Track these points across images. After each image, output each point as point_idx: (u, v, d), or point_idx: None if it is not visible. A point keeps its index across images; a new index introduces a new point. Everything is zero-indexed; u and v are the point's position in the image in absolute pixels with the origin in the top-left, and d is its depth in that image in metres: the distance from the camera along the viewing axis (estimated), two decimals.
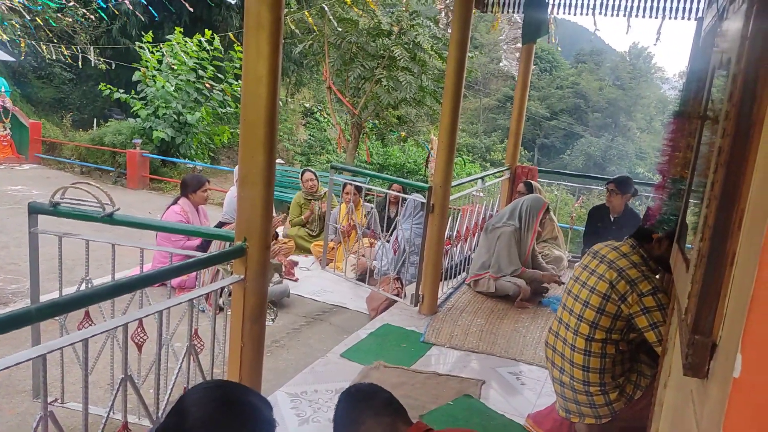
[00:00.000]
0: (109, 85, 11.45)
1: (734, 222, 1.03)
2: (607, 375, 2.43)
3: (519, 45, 5.95)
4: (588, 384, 2.45)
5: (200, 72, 11.39)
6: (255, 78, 2.11)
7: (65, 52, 12.55)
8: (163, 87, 10.82)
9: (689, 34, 2.92)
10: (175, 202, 5.18)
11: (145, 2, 9.98)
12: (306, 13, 9.78)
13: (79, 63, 12.91)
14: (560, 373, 2.58)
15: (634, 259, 2.37)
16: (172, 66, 11.06)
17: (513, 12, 5.54)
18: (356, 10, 9.58)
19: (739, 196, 1.03)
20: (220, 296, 3.51)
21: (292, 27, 9.83)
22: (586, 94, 40.86)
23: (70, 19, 12.75)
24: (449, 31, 5.43)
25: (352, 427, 1.64)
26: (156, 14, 12.41)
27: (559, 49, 42.11)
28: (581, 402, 2.51)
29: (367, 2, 9.80)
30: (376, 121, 13.21)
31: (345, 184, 5.92)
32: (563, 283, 4.98)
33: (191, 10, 8.77)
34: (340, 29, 10.60)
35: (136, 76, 11.29)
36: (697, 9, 4.48)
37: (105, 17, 12.49)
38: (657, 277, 2.36)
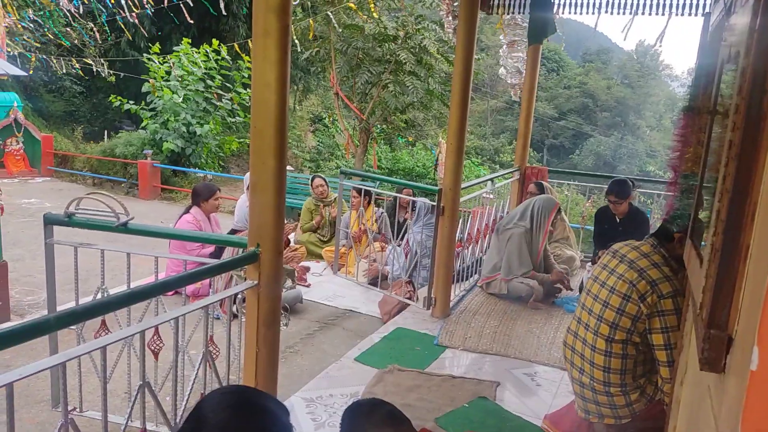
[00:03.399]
0: (119, 97, 11.56)
1: (747, 215, 1.03)
2: (628, 376, 2.41)
3: (518, 48, 5.94)
4: (609, 385, 2.43)
5: (208, 82, 11.48)
6: (264, 85, 2.13)
7: (76, 65, 12.69)
8: (171, 98, 10.91)
9: (697, 30, 2.91)
10: (187, 211, 5.22)
11: (151, 15, 10.08)
12: (311, 21, 9.84)
13: (93, 72, 13.03)
14: (580, 374, 2.56)
15: (655, 259, 2.34)
16: (180, 77, 11.15)
17: (518, 13, 5.54)
18: (361, 15, 9.63)
19: (751, 188, 1.03)
20: (234, 303, 3.53)
21: (295, 39, 9.89)
22: (594, 94, 40.68)
23: (78, 35, 12.90)
24: (453, 34, 5.44)
25: None
26: (160, 28, 12.55)
27: (563, 49, 41.97)
28: (601, 403, 2.49)
29: (371, 9, 9.84)
30: (384, 126, 13.24)
31: (353, 189, 5.94)
32: (571, 289, 4.96)
33: (191, 21, 8.83)
34: (345, 35, 10.65)
35: (145, 88, 11.40)
36: (704, 4, 4.46)
37: (109, 32, 12.63)
38: (679, 277, 2.32)
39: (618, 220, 5.08)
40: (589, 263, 5.15)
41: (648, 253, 2.38)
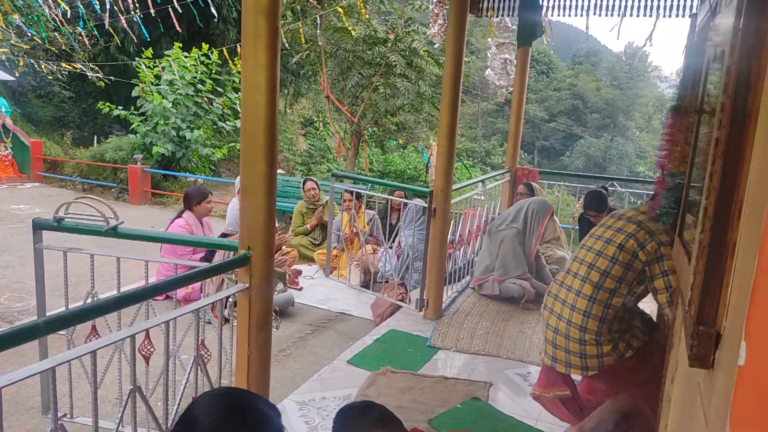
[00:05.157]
0: (108, 103, 11.50)
1: (734, 212, 1.04)
2: (605, 326, 2.45)
3: (505, 50, 5.97)
4: (584, 331, 2.46)
5: (199, 86, 11.44)
6: (254, 87, 2.13)
7: (66, 67, 12.60)
8: (160, 103, 10.87)
9: (684, 31, 2.94)
10: (179, 216, 5.20)
11: (139, 20, 10.01)
12: (300, 24, 9.83)
13: (82, 76, 12.94)
14: (557, 319, 2.57)
15: (653, 215, 2.42)
16: (170, 81, 11.11)
17: (508, 15, 5.57)
18: (345, 22, 9.61)
19: (737, 186, 1.04)
20: (226, 307, 3.51)
21: (285, 41, 9.88)
22: (584, 95, 40.94)
23: (66, 39, 12.82)
24: (440, 37, 5.46)
25: None
26: (149, 33, 12.49)
27: (553, 52, 42.22)
28: (572, 350, 2.51)
29: (361, 13, 9.85)
30: (375, 129, 13.25)
31: (345, 192, 5.94)
32: None
33: (179, 30, 8.80)
34: (335, 38, 10.65)
35: (135, 92, 11.35)
36: (691, 6, 4.50)
37: (99, 37, 12.56)
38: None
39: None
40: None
41: (646, 211, 2.48)
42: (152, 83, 11.24)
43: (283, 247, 6.17)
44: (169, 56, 11.32)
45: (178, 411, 2.39)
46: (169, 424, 2.35)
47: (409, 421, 2.76)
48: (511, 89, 6.25)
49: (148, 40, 12.58)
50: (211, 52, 11.50)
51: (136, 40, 12.78)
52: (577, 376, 2.64)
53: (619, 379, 2.59)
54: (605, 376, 2.54)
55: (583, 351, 2.48)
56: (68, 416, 2.85)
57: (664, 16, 4.67)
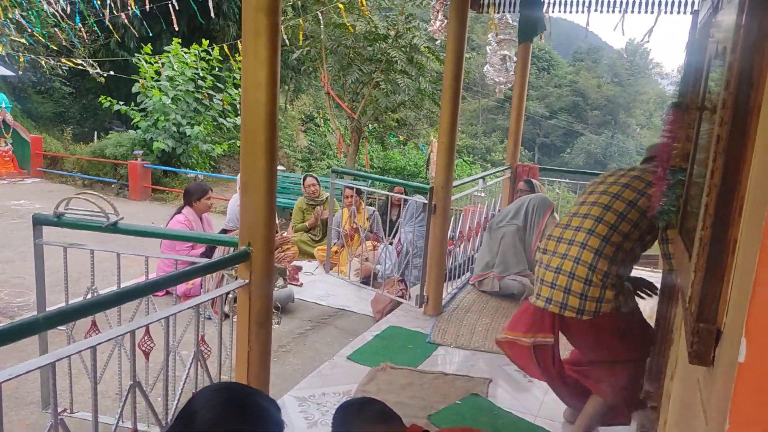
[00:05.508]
0: (108, 98, 11.49)
1: (735, 209, 1.04)
2: (614, 268, 2.45)
3: (505, 46, 5.95)
4: (593, 270, 2.44)
5: (199, 82, 11.42)
6: (254, 84, 2.12)
7: (67, 63, 12.58)
8: (160, 99, 10.86)
9: (686, 28, 2.93)
10: (179, 212, 5.20)
11: (140, 15, 10.01)
12: (300, 21, 9.81)
13: (82, 72, 12.92)
14: (561, 259, 2.54)
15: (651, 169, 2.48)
16: (170, 77, 11.09)
17: (509, 11, 5.56)
18: (345, 18, 9.59)
19: (738, 183, 1.04)
20: (226, 303, 3.52)
21: (285, 38, 9.85)
22: (585, 92, 40.89)
23: (66, 35, 12.80)
24: (441, 33, 5.45)
25: None
26: (150, 29, 12.46)
27: (553, 48, 42.16)
28: (573, 290, 2.47)
29: (362, 9, 9.82)
30: (376, 125, 13.24)
31: (345, 188, 5.94)
32: None
33: (177, 29, 8.78)
34: (335, 35, 10.63)
35: (135, 88, 11.33)
36: (693, 2, 4.49)
37: (99, 33, 12.54)
38: None
39: None
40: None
41: (645, 168, 2.57)
42: (152, 79, 11.22)
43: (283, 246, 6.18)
44: (169, 52, 11.31)
45: (178, 406, 2.40)
46: (168, 420, 2.36)
47: (408, 417, 2.77)
48: (510, 86, 6.24)
49: (149, 35, 12.56)
50: (212, 49, 11.48)
51: (137, 35, 12.77)
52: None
53: (601, 341, 2.56)
54: (591, 331, 2.52)
55: (586, 292, 2.45)
56: (68, 411, 2.86)
57: (666, 12, 4.65)
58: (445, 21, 5.40)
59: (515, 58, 6.08)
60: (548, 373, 2.71)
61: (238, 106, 11.86)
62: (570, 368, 2.76)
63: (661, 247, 2.36)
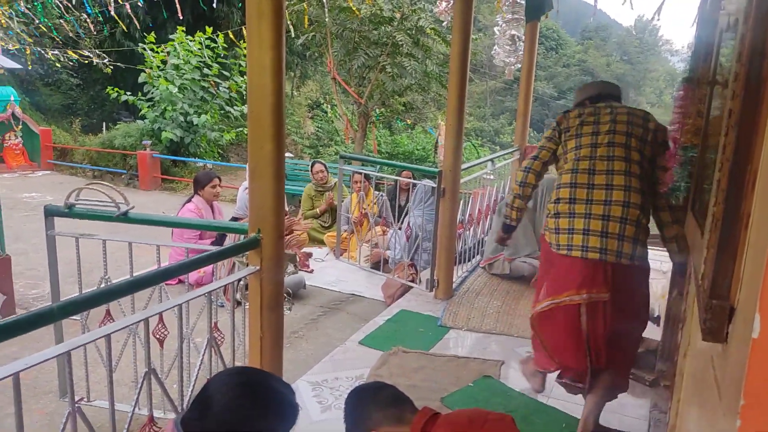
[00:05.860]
0: (116, 89, 11.50)
1: (747, 183, 1.02)
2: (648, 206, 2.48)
3: (513, 26, 5.87)
4: (643, 210, 2.44)
5: (205, 71, 11.40)
6: (260, 68, 2.11)
7: (73, 56, 12.60)
8: (167, 89, 10.86)
9: (695, 3, 2.88)
10: (189, 201, 5.22)
11: (143, 5, 9.97)
12: (305, 5, 9.74)
13: (89, 64, 12.94)
14: (604, 206, 2.44)
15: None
16: (176, 66, 11.08)
17: None
18: (349, 1, 9.50)
19: (751, 157, 1.03)
20: (237, 290, 3.53)
21: (290, 23, 9.77)
22: (594, 71, 40.41)
23: (72, 26, 12.79)
24: (447, 14, 5.39)
25: (361, 424, 1.73)
26: (154, 18, 12.39)
27: (561, 27, 41.63)
28: (627, 235, 2.39)
29: None
30: (383, 110, 13.17)
31: (353, 174, 5.93)
32: None
33: (180, 16, 8.74)
34: (340, 19, 10.54)
35: (141, 78, 11.33)
36: None
37: (104, 22, 12.52)
38: None
39: None
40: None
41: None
42: (158, 68, 11.21)
43: (295, 231, 6.20)
44: (174, 41, 11.28)
45: (193, 393, 2.43)
46: (184, 406, 2.39)
47: (421, 400, 2.78)
48: (519, 66, 6.17)
49: (153, 24, 12.53)
50: (216, 35, 11.44)
51: (138, 27, 12.73)
52: None
53: (637, 291, 2.49)
54: (633, 278, 2.45)
55: (637, 235, 2.39)
56: (85, 399, 2.90)
57: None
58: (451, 2, 5.34)
59: (524, 38, 6.01)
60: (595, 335, 2.45)
61: (245, 94, 11.84)
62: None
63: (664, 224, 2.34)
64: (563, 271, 2.50)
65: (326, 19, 10.39)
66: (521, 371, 3.15)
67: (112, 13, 8.51)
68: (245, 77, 11.07)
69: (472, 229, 5.29)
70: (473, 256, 5.32)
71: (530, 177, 2.81)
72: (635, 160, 2.44)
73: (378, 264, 5.36)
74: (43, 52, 13.00)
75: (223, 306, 4.02)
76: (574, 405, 2.99)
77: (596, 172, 2.48)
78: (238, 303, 3.00)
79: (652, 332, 3.40)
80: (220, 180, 5.42)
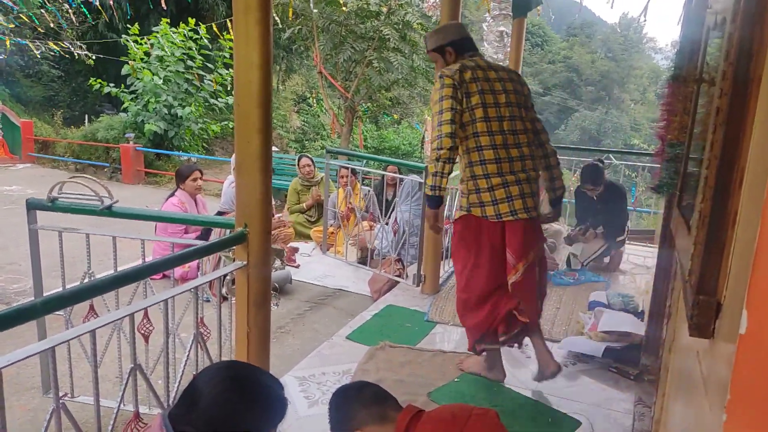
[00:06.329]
0: (99, 80, 11.35)
1: (735, 181, 1.03)
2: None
3: (501, 23, 5.89)
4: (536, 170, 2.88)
5: (189, 63, 11.28)
6: (246, 63, 2.09)
7: (54, 47, 12.39)
8: (151, 80, 10.73)
9: (679, 2, 2.90)
10: (172, 195, 5.17)
11: None
12: None
13: (71, 55, 12.75)
14: (521, 164, 2.79)
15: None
16: (159, 58, 10.95)
17: None
18: None
19: (738, 154, 1.04)
20: (223, 285, 3.52)
21: (276, 16, 9.71)
22: (579, 68, 40.64)
23: (54, 17, 12.58)
24: (429, 8, 5.38)
25: (345, 424, 1.74)
26: (137, 9, 12.23)
27: (548, 23, 41.79)
28: (535, 192, 2.83)
29: None
30: (369, 105, 13.14)
31: (340, 168, 5.91)
32: (557, 264, 5.02)
33: (164, 7, 8.65)
34: (326, 12, 10.48)
35: (125, 70, 11.19)
36: None
37: (88, 14, 12.34)
38: None
39: (595, 197, 5.12)
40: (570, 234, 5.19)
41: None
42: (142, 60, 11.08)
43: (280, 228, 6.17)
44: (157, 32, 11.15)
45: (179, 389, 2.41)
46: (170, 402, 2.37)
47: (408, 395, 2.79)
48: (507, 62, 6.19)
49: (130, 16, 12.36)
50: (199, 27, 11.31)
51: (117, 18, 12.57)
52: None
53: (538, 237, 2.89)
54: (533, 227, 2.83)
55: (536, 190, 2.80)
56: (69, 396, 2.86)
57: None
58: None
59: (511, 34, 6.03)
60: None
61: (229, 86, 11.75)
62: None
63: None
64: (517, 233, 2.77)
65: (313, 12, 10.33)
66: (479, 371, 3.20)
67: (96, 3, 8.38)
68: (230, 70, 11.01)
69: None
70: None
71: (454, 140, 2.69)
72: (530, 129, 2.84)
73: (365, 258, 5.36)
74: (23, 42, 12.78)
75: (208, 301, 3.99)
76: (559, 399, 3.02)
77: (509, 145, 2.74)
78: (224, 298, 2.99)
79: (637, 327, 3.45)
80: (201, 173, 5.36)
